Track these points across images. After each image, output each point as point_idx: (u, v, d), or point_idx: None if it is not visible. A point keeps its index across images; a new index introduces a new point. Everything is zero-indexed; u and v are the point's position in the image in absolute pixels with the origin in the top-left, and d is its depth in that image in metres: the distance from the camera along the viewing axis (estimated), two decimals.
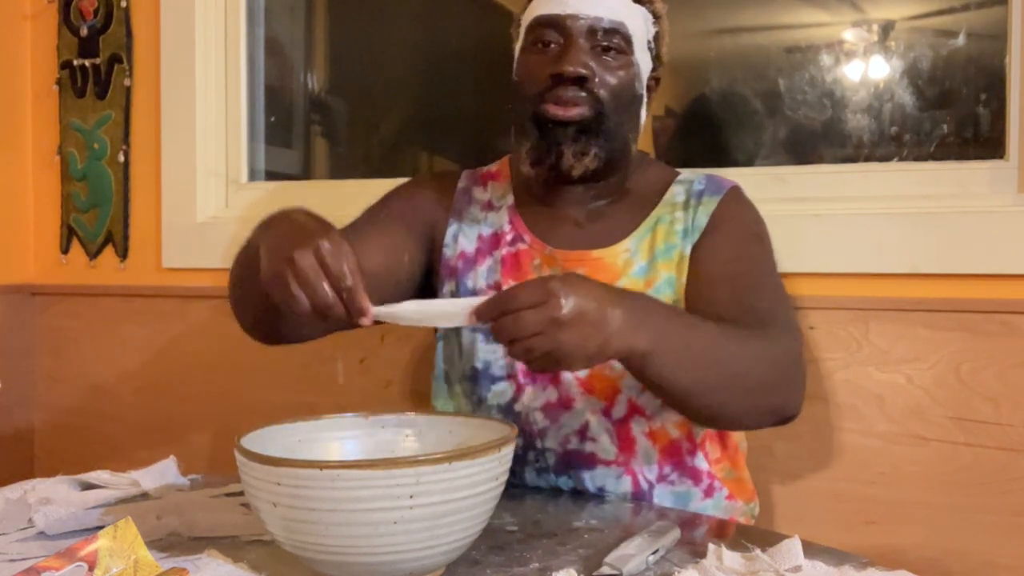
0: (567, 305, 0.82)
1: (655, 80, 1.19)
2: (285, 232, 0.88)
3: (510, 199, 1.20)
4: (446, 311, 0.89)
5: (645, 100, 1.16)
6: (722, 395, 0.99)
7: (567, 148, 1.08)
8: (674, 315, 0.97)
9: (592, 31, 1.09)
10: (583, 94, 1.08)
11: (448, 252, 1.19)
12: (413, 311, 0.88)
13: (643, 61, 1.14)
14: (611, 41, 1.09)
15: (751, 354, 1.00)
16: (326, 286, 0.82)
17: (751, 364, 1.00)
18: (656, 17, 1.16)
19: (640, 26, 1.12)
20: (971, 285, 1.32)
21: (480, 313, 0.85)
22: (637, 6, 1.12)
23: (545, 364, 0.85)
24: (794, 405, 1.06)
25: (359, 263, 0.84)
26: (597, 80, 1.08)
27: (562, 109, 1.07)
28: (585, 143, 1.08)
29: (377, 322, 0.85)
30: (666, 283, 1.10)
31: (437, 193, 1.24)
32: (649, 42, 1.15)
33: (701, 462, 1.11)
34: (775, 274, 1.14)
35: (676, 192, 1.16)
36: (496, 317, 0.84)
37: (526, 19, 1.15)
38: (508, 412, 1.12)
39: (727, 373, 0.98)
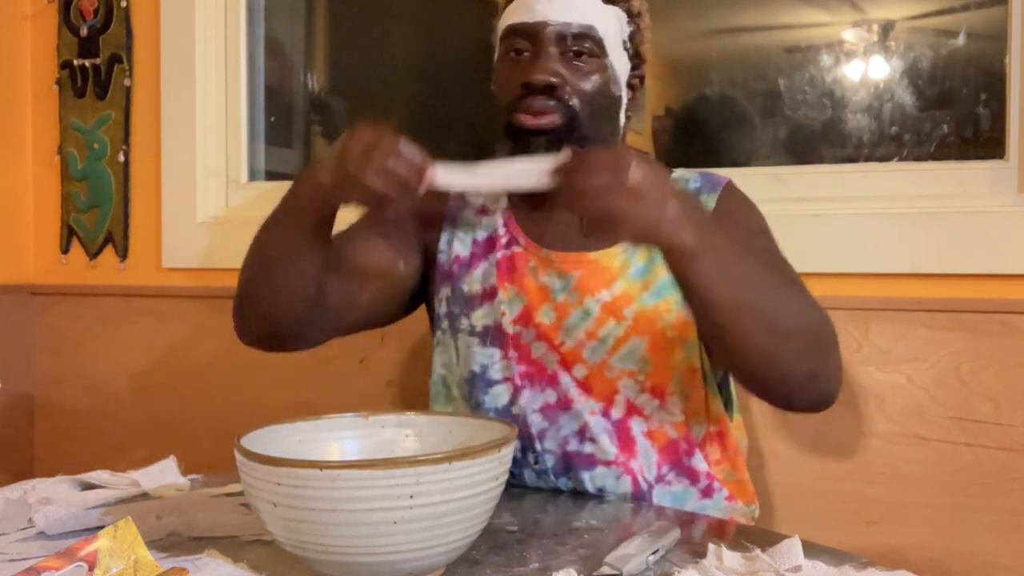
0: (635, 176, 0.86)
1: (639, 79, 1.18)
2: (330, 156, 0.96)
3: (504, 202, 1.20)
4: (522, 169, 0.97)
5: (625, 101, 1.15)
6: (763, 324, 0.95)
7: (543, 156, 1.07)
8: (727, 237, 0.96)
9: (561, 37, 1.08)
10: (552, 102, 1.07)
11: (442, 258, 1.19)
12: (484, 173, 0.97)
13: (619, 62, 1.12)
14: (582, 46, 1.08)
15: (797, 301, 1.00)
16: (391, 163, 0.92)
17: (797, 309, 0.99)
18: (632, 15, 1.14)
19: (613, 27, 1.11)
20: (971, 285, 1.32)
21: (558, 170, 0.91)
22: (609, 7, 1.11)
23: (601, 226, 0.88)
24: (836, 380, 1.03)
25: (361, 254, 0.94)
26: (568, 87, 1.07)
27: (533, 118, 1.07)
28: (560, 151, 1.07)
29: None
30: (669, 285, 1.10)
31: (431, 197, 1.24)
32: (625, 42, 1.13)
33: (699, 463, 1.11)
34: (788, 264, 1.13)
35: None
36: (570, 175, 0.89)
37: (499, 28, 1.14)
38: (506, 415, 1.12)
39: (770, 304, 0.96)
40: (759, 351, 0.96)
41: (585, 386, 1.10)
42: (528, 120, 1.07)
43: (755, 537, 0.86)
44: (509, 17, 1.12)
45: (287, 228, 1.05)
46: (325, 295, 1.10)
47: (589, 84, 1.09)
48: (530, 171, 0.95)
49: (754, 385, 1.04)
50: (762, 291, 0.96)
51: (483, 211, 1.21)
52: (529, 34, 1.09)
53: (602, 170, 0.87)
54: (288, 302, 1.08)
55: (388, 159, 0.92)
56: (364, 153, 0.92)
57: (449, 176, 0.97)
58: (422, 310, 1.28)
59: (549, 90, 1.07)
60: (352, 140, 0.95)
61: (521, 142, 1.08)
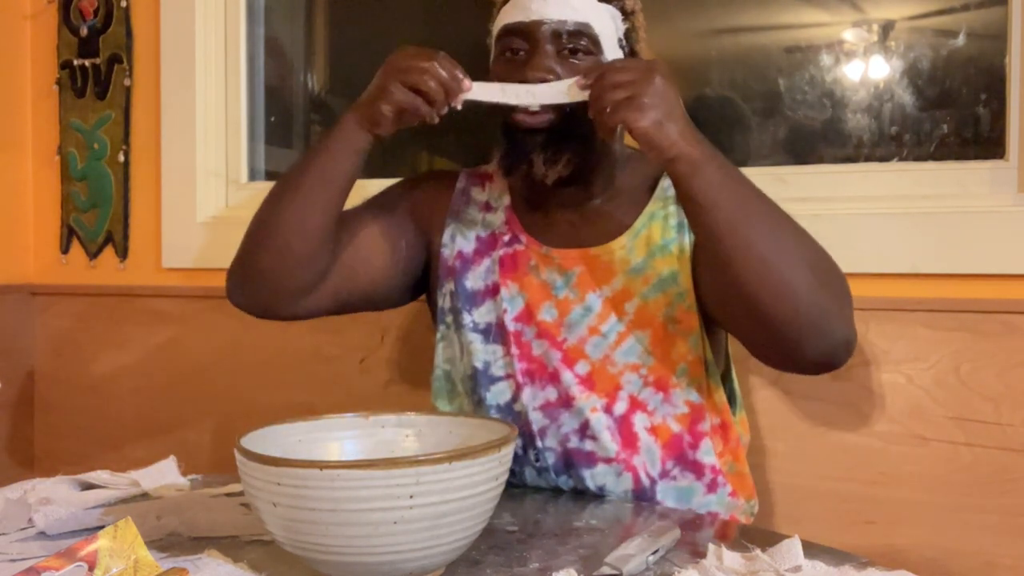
0: (661, 79, 0.96)
1: None
2: (373, 82, 1.06)
3: (507, 199, 1.20)
4: (553, 87, 1.05)
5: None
6: (768, 235, 0.96)
7: (536, 156, 1.07)
8: (731, 164, 1.01)
9: (557, 34, 1.08)
10: None
11: (446, 252, 1.20)
12: (514, 92, 1.06)
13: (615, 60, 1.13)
14: (577, 43, 1.09)
15: (805, 233, 1.00)
16: (433, 65, 1.02)
17: (804, 235, 1.00)
18: (626, 14, 1.14)
19: (608, 25, 1.11)
20: (971, 285, 1.32)
21: (588, 75, 1.01)
22: (603, 4, 1.11)
23: (621, 109, 0.95)
24: (851, 329, 1.01)
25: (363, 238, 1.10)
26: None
27: (529, 117, 1.07)
28: (555, 150, 1.07)
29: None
30: (669, 278, 1.10)
31: (435, 192, 1.24)
32: (620, 39, 1.13)
33: (704, 455, 1.10)
34: None
35: (666, 186, 1.16)
36: (601, 76, 0.98)
37: (495, 29, 1.15)
38: (507, 412, 1.12)
39: (775, 219, 0.98)
40: (765, 267, 0.95)
41: (588, 382, 1.10)
42: (525, 119, 1.07)
43: (755, 537, 0.86)
44: (504, 18, 1.12)
45: (315, 164, 1.09)
46: (328, 261, 1.12)
47: None
48: (560, 88, 1.05)
49: (761, 322, 0.98)
50: (767, 207, 0.99)
51: (486, 208, 1.21)
52: (525, 33, 1.09)
53: (632, 68, 0.97)
54: (294, 255, 1.09)
55: (431, 62, 1.02)
56: (408, 59, 1.03)
57: (483, 89, 1.06)
58: (423, 310, 1.28)
59: None
60: (394, 56, 1.04)
61: (517, 141, 1.08)
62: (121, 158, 1.81)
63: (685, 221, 1.12)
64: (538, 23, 1.08)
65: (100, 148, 1.82)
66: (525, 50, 1.10)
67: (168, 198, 1.77)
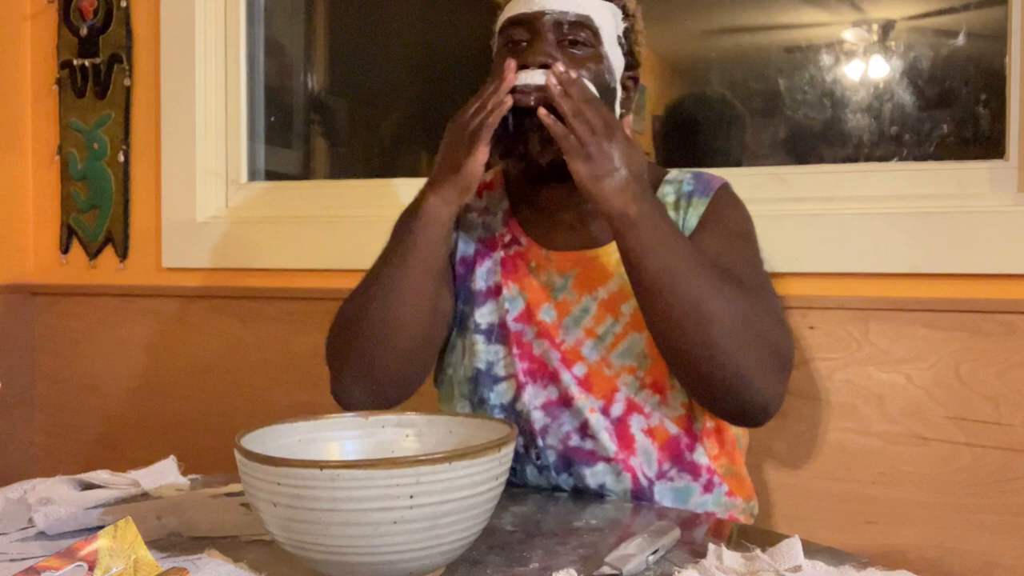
0: (613, 144, 1.02)
1: (633, 80, 1.19)
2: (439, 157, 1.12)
3: (505, 204, 1.21)
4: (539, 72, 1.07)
5: (619, 96, 1.16)
6: (688, 302, 0.99)
7: (533, 136, 1.08)
8: (672, 228, 1.05)
9: (558, 24, 1.10)
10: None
11: (453, 260, 1.20)
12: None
13: (614, 55, 1.14)
14: (577, 35, 1.11)
15: (736, 297, 1.02)
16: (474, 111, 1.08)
17: (731, 302, 1.01)
18: (626, 13, 1.16)
19: (608, 20, 1.13)
20: (971, 285, 1.32)
21: (561, 76, 1.05)
22: (605, 2, 1.13)
23: (570, 151, 1.02)
24: (770, 396, 1.03)
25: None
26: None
27: (526, 97, 1.07)
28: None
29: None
30: None
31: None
32: (619, 37, 1.15)
33: (701, 457, 1.11)
34: (762, 272, 1.14)
35: (666, 192, 1.16)
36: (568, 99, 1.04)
37: (499, 22, 1.16)
38: (509, 411, 1.12)
39: (699, 286, 1.00)
40: (681, 329, 1.00)
41: (585, 384, 1.10)
42: (521, 99, 1.07)
43: (755, 537, 0.86)
44: (508, 11, 1.14)
45: (414, 258, 1.09)
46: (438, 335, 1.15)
47: (584, 70, 1.10)
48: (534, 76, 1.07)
49: (680, 372, 1.06)
50: (694, 273, 1.00)
51: (485, 212, 1.22)
52: (526, 23, 1.11)
53: (598, 118, 1.02)
54: (420, 351, 1.12)
55: (469, 113, 1.08)
56: (459, 128, 1.08)
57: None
58: None
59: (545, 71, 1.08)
60: (445, 140, 1.11)
61: (516, 122, 1.08)
62: (121, 158, 1.81)
63: (683, 226, 1.13)
64: (540, 13, 1.10)
65: (100, 148, 1.82)
66: (527, 40, 1.11)
67: (168, 198, 1.77)
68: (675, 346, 1.03)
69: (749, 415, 1.05)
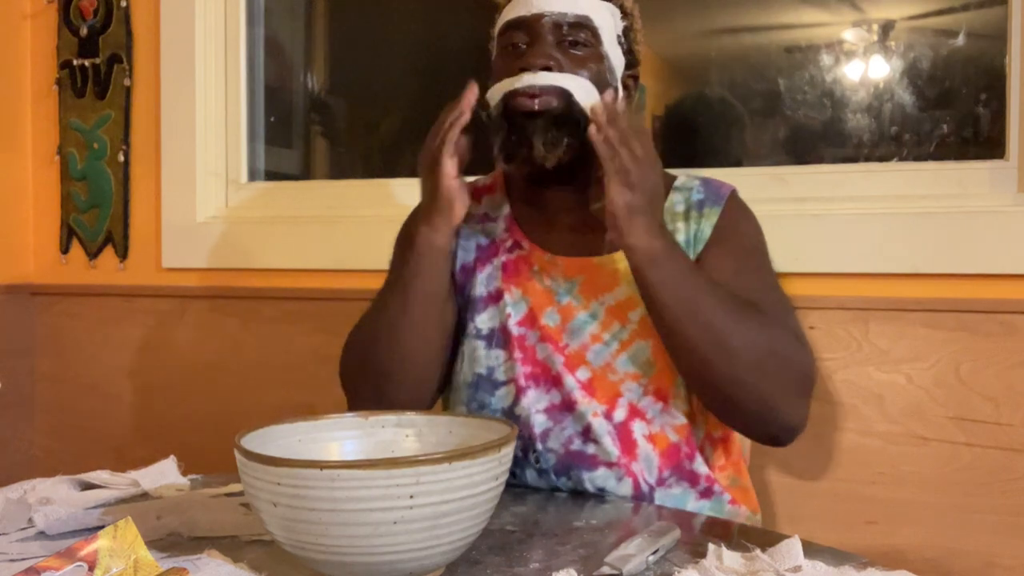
0: (654, 178, 1.03)
1: (633, 79, 1.19)
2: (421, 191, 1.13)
3: (506, 209, 1.20)
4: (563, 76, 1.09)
5: (621, 96, 1.16)
6: (711, 337, 1.01)
7: (537, 139, 1.07)
8: (690, 264, 1.06)
9: (557, 26, 1.10)
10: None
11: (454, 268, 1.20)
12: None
13: (614, 55, 1.14)
14: (577, 35, 1.11)
15: (757, 326, 1.03)
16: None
17: (754, 333, 1.02)
18: (624, 12, 1.16)
19: (608, 20, 1.13)
20: (971, 285, 1.32)
21: (608, 109, 1.05)
22: (603, 1, 1.13)
23: (616, 171, 1.02)
24: (796, 415, 1.05)
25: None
26: (565, 71, 1.09)
27: (529, 100, 1.07)
28: (556, 134, 1.08)
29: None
30: None
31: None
32: (619, 36, 1.15)
33: (700, 466, 1.10)
34: (778, 289, 1.14)
35: (676, 201, 1.15)
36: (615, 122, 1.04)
37: (497, 28, 1.16)
38: (509, 416, 1.12)
39: (721, 321, 1.01)
40: (705, 364, 1.02)
41: (588, 388, 1.10)
42: (525, 102, 1.07)
43: (755, 537, 0.86)
44: (506, 15, 1.14)
45: (416, 290, 1.11)
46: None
47: (585, 70, 1.10)
48: (570, 79, 1.08)
49: (710, 404, 1.09)
50: (715, 307, 1.02)
51: (484, 219, 1.21)
52: (526, 26, 1.11)
53: (647, 148, 1.03)
54: (431, 375, 1.14)
55: (430, 137, 1.10)
56: (424, 155, 1.10)
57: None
58: None
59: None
60: (419, 171, 1.12)
61: (517, 125, 1.08)
62: (121, 158, 1.81)
63: (692, 239, 1.13)
64: (539, 16, 1.10)
65: (100, 148, 1.82)
66: (526, 43, 1.11)
67: (168, 198, 1.78)
68: (701, 379, 1.05)
69: (777, 438, 1.08)
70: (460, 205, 1.10)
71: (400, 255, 1.17)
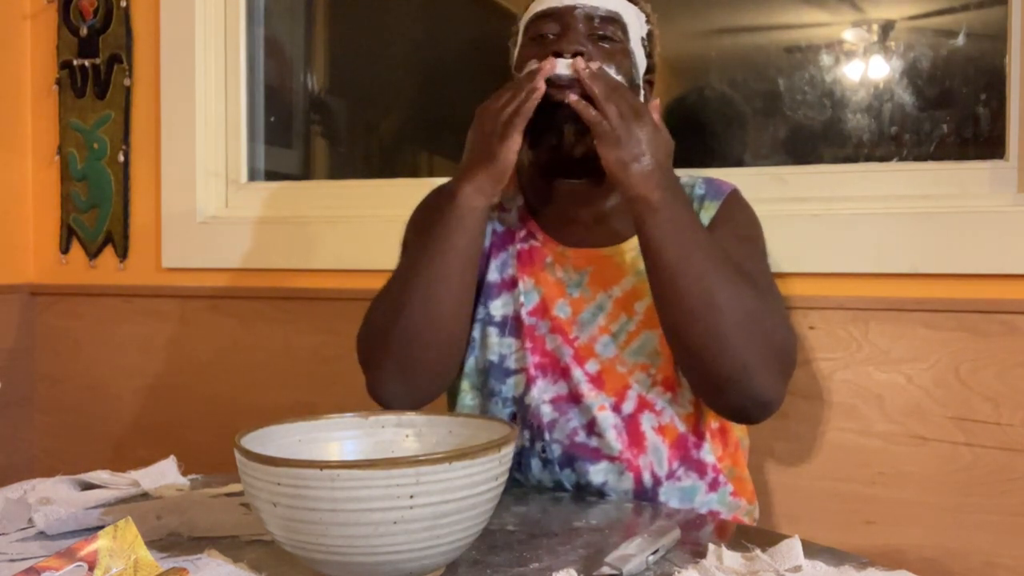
0: (643, 127, 1.03)
1: (649, 84, 1.20)
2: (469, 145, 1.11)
3: (520, 200, 1.22)
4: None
5: (642, 94, 1.17)
6: (701, 291, 1.00)
7: (568, 127, 1.08)
8: (694, 220, 1.05)
9: (589, 18, 1.12)
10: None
11: None
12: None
13: (639, 55, 1.16)
14: (607, 30, 1.12)
15: (747, 292, 1.03)
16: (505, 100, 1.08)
17: (742, 296, 1.02)
18: (648, 18, 1.19)
19: (634, 21, 1.15)
20: (971, 285, 1.32)
21: (593, 76, 1.06)
22: (630, 4, 1.16)
23: (600, 135, 1.03)
24: (774, 391, 1.04)
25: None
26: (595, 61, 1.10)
27: (558, 92, 1.07)
28: (584, 125, 1.08)
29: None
30: None
31: None
32: (643, 39, 1.17)
33: (707, 455, 1.11)
34: (769, 275, 1.15)
35: None
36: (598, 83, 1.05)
37: (525, 19, 1.17)
38: (519, 404, 1.13)
39: (713, 278, 1.01)
40: (692, 318, 1.01)
41: (597, 381, 1.11)
42: (554, 92, 1.07)
43: (755, 537, 0.86)
44: (537, 6, 1.16)
45: (452, 250, 1.08)
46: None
47: (614, 64, 1.11)
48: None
49: (686, 362, 1.06)
50: (711, 263, 1.02)
51: (500, 208, 1.22)
52: (558, 16, 1.12)
53: (628, 103, 1.03)
54: (456, 342, 1.12)
55: (502, 101, 1.07)
56: (491, 116, 1.07)
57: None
58: None
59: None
60: (475, 129, 1.10)
61: (547, 113, 1.08)
62: (121, 158, 1.81)
63: None
64: (571, 7, 1.12)
65: (100, 148, 1.82)
66: (556, 33, 1.12)
67: (168, 198, 1.77)
68: (684, 334, 1.03)
69: (749, 411, 1.06)
70: (507, 178, 1.09)
71: (434, 217, 1.13)
